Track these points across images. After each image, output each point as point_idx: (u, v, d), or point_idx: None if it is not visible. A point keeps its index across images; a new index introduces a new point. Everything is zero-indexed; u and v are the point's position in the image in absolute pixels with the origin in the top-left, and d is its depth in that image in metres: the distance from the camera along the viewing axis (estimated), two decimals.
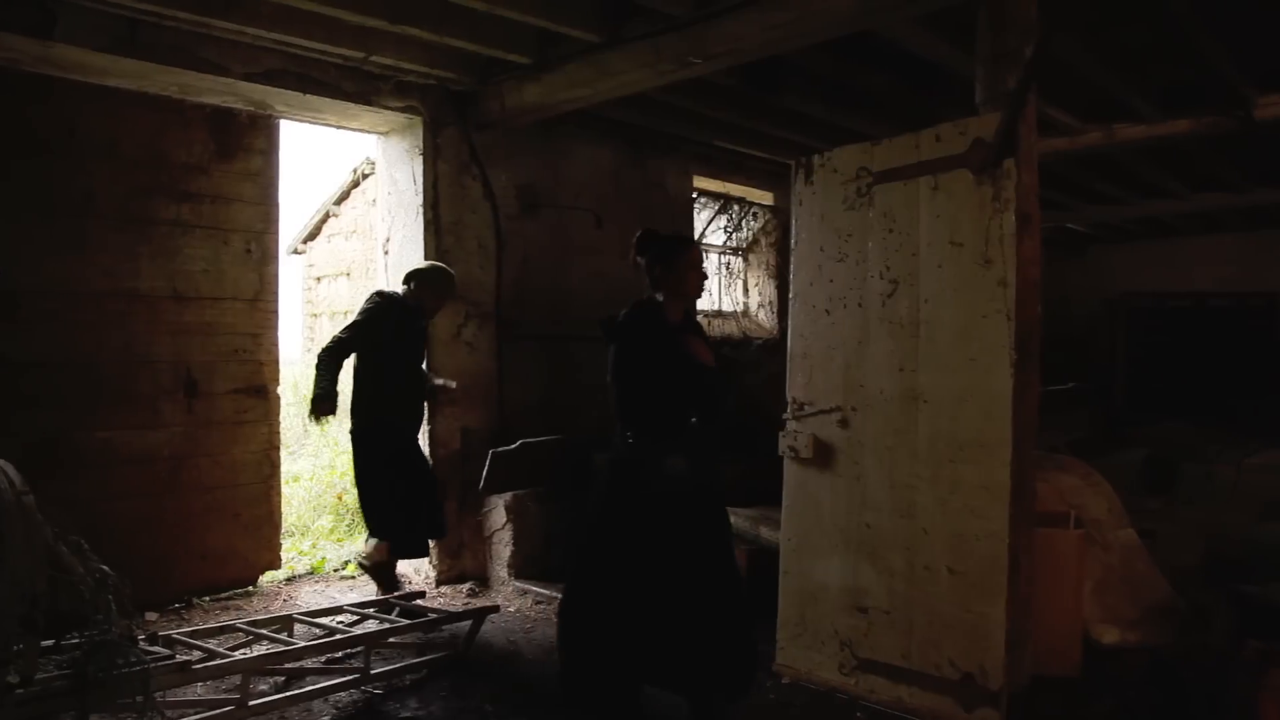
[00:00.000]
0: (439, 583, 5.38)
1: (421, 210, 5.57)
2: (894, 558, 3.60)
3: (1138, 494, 7.21)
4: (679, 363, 3.27)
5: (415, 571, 5.57)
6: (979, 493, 3.35)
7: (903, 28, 4.86)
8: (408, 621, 4.27)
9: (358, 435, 4.84)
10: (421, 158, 5.58)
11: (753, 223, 8.65)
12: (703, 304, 8.20)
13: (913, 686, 3.56)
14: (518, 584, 5.35)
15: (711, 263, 8.75)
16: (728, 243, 8.69)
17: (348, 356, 4.79)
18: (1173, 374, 12.06)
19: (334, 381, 4.70)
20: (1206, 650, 4.09)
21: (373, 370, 4.79)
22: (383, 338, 4.78)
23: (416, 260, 5.55)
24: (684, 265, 3.38)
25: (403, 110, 5.44)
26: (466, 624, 4.36)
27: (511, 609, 4.92)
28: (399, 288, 5.04)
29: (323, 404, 4.65)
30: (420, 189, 5.59)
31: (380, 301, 4.89)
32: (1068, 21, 5.10)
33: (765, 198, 8.55)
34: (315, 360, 4.79)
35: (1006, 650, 3.33)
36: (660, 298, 3.39)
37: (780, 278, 8.38)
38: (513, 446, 5.51)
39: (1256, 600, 3.85)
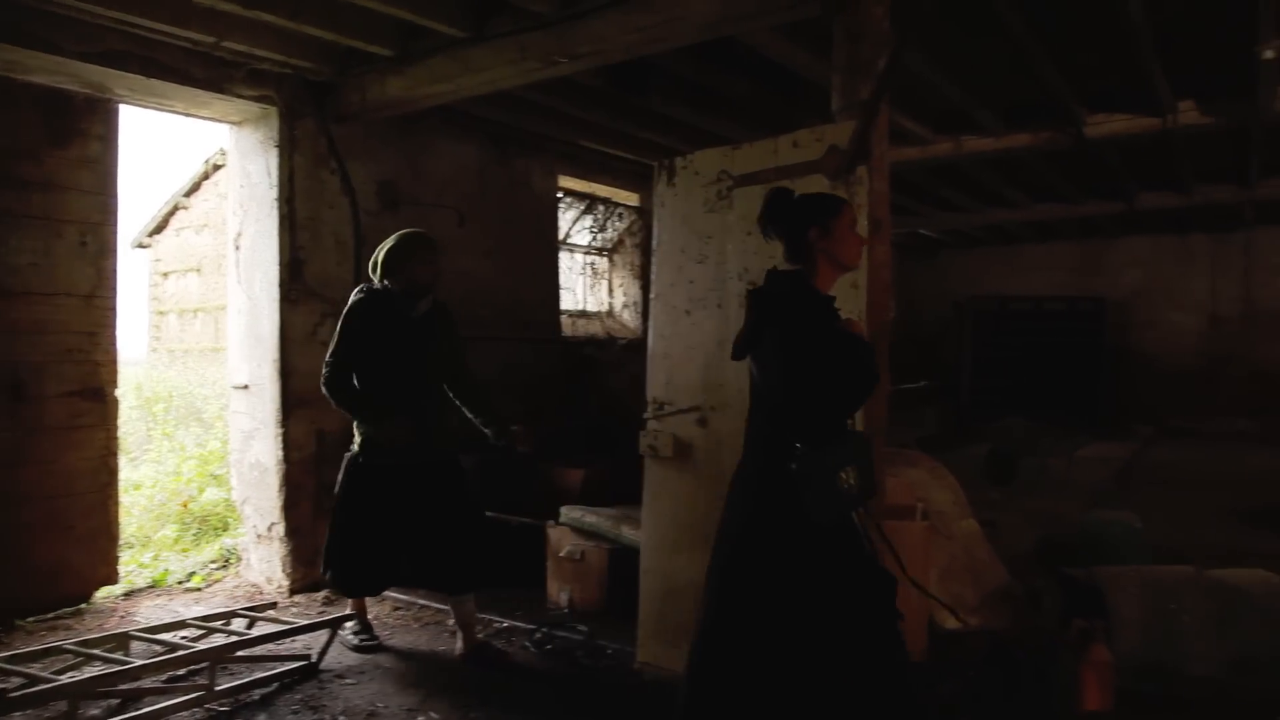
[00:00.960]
0: (292, 591, 5.18)
1: (276, 204, 5.34)
2: None
3: (981, 486, 7.64)
4: (848, 348, 2.69)
5: (267, 581, 5.34)
6: None
7: (764, 36, 4.98)
8: (256, 634, 4.09)
9: (346, 462, 4.24)
10: (276, 150, 5.35)
11: (618, 223, 8.71)
12: (567, 304, 8.20)
13: None
14: None
15: (576, 263, 8.74)
16: (593, 243, 8.71)
17: (351, 376, 4.13)
18: (1014, 373, 12.83)
19: (362, 402, 4.09)
20: (1039, 630, 4.37)
21: (365, 386, 4.13)
22: (368, 344, 4.10)
23: (270, 257, 5.33)
24: (844, 226, 2.78)
25: (256, 99, 5.21)
26: (322, 634, 4.22)
27: (369, 616, 4.78)
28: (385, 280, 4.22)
29: (394, 428, 4.03)
30: (274, 182, 5.36)
31: (363, 297, 4.17)
32: (921, 37, 5.34)
33: (631, 198, 8.62)
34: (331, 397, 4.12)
35: None
36: (799, 269, 2.81)
37: (644, 278, 8.46)
38: None
39: (1081, 582, 4.12)
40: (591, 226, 8.62)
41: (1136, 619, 3.80)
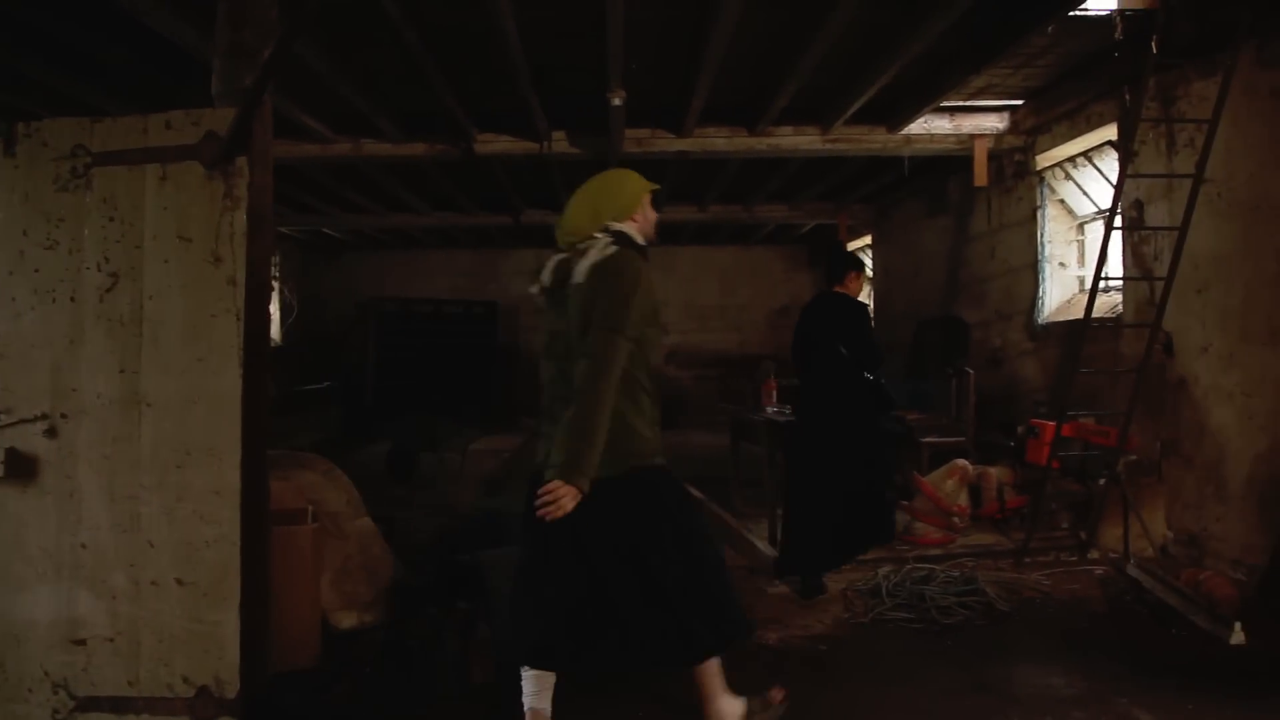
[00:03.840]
0: None
1: None
2: (116, 577, 3.27)
3: (384, 483, 7.85)
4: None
5: None
6: (209, 497, 3.23)
7: (145, 4, 4.56)
8: None
9: None
10: None
11: None
12: None
13: (143, 714, 3.29)
14: None
15: None
16: None
17: None
18: (417, 372, 13.41)
19: None
20: (431, 618, 4.61)
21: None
22: None
23: None
24: (863, 278, 5.52)
25: None
26: None
27: None
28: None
29: None
30: None
31: (636, 253, 3.03)
32: (316, 34, 5.30)
33: None
34: None
35: (242, 656, 3.27)
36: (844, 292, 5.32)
37: None
38: None
39: (467, 566, 4.45)
40: None
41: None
